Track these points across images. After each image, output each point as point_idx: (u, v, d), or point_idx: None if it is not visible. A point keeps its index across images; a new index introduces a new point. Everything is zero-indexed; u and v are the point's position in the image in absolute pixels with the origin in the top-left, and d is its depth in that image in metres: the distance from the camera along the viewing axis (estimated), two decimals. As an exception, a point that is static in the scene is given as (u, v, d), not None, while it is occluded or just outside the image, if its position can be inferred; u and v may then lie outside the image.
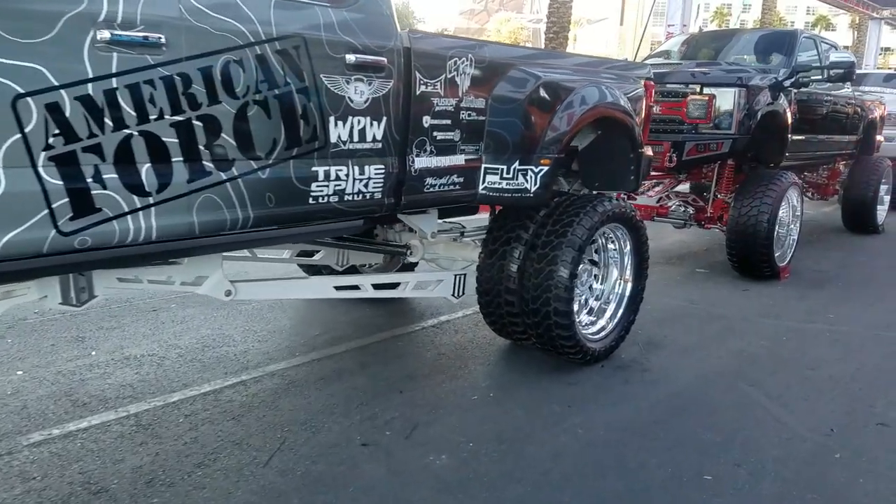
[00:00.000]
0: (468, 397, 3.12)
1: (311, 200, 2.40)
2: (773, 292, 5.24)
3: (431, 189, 2.86)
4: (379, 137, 2.57)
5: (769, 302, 4.97)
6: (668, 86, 5.73)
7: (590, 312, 3.82)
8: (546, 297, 3.29)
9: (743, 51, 7.20)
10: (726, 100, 5.47)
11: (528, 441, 2.74)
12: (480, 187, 3.11)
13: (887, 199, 8.55)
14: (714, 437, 2.85)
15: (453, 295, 3.59)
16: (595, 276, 3.89)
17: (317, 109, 2.34)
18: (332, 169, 2.43)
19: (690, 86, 5.63)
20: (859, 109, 7.93)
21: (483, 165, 3.08)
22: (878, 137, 8.71)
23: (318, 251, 4.03)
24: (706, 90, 5.52)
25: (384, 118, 2.56)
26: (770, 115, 5.80)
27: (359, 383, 3.21)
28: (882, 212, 8.31)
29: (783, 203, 5.82)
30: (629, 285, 3.83)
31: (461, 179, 3.00)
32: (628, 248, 3.80)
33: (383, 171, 2.61)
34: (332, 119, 2.39)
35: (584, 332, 3.59)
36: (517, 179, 3.13)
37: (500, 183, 3.12)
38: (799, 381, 3.49)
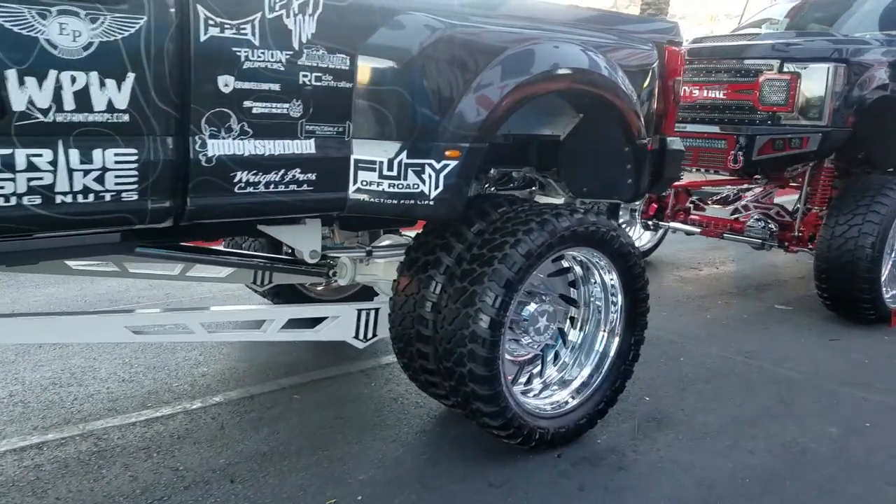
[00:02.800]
0: (320, 500, 2.12)
1: (-21, 203, 1.52)
2: (872, 345, 3.75)
3: (251, 190, 1.89)
4: (122, 105, 1.64)
5: (862, 360, 3.51)
6: (745, 62, 4.36)
7: (562, 369, 2.69)
8: (459, 354, 2.22)
9: (866, 20, 5.56)
10: (816, 80, 4.04)
11: None
12: (352, 189, 2.10)
13: None
14: None
15: (357, 337, 2.59)
16: (572, 318, 2.74)
17: (-27, 57, 1.46)
18: (20, 153, 1.54)
19: (768, 62, 4.24)
20: None
21: (353, 156, 2.07)
22: None
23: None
24: (787, 66, 4.12)
25: (129, 76, 1.64)
26: (886, 101, 4.28)
27: (184, 460, 2.30)
28: None
29: (903, 222, 4.28)
30: (616, 340, 2.64)
31: (313, 176, 2.00)
32: (614, 284, 2.62)
33: (135, 157, 1.69)
34: (12, 74, 1.50)
35: (529, 403, 2.48)
36: (406, 179, 2.09)
37: (380, 183, 2.09)
38: (872, 512, 2.17)
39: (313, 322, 2.54)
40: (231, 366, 3.11)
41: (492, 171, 3.23)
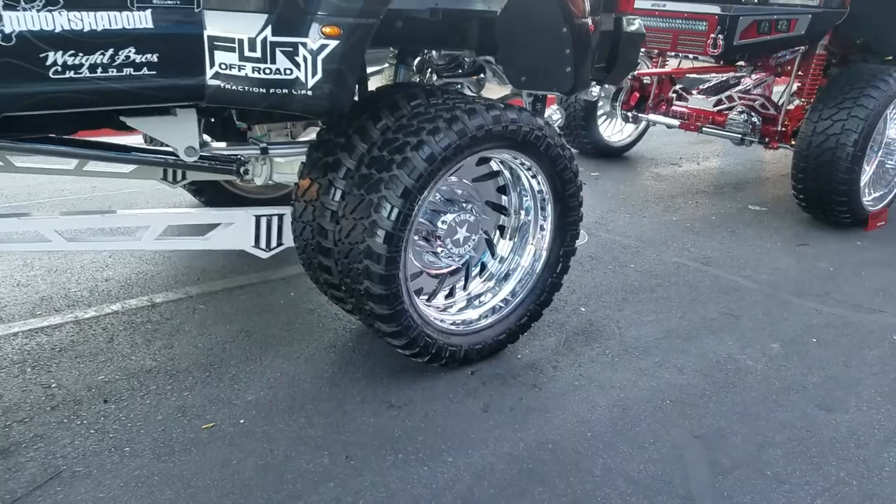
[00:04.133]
0: (196, 425, 1.96)
1: None
2: (841, 252, 3.51)
3: (71, 75, 1.56)
4: None
5: (827, 268, 3.28)
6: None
7: (488, 281, 2.46)
8: (356, 270, 1.98)
9: None
10: (811, -50, 3.53)
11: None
12: (209, 74, 1.76)
13: None
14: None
15: (258, 246, 2.34)
16: (501, 228, 2.48)
17: None
18: None
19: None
20: None
21: (205, 33, 1.72)
22: None
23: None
24: (781, -66, 3.59)
25: None
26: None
27: (60, 376, 2.12)
28: None
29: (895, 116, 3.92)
30: (542, 255, 2.38)
31: (154, 58, 1.66)
32: (541, 190, 2.33)
33: None
34: None
35: (442, 319, 2.26)
36: (274, 62, 1.74)
37: (241, 67, 1.74)
38: (787, 440, 2.00)
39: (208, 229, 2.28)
40: (140, 270, 2.89)
41: (432, 54, 2.85)
